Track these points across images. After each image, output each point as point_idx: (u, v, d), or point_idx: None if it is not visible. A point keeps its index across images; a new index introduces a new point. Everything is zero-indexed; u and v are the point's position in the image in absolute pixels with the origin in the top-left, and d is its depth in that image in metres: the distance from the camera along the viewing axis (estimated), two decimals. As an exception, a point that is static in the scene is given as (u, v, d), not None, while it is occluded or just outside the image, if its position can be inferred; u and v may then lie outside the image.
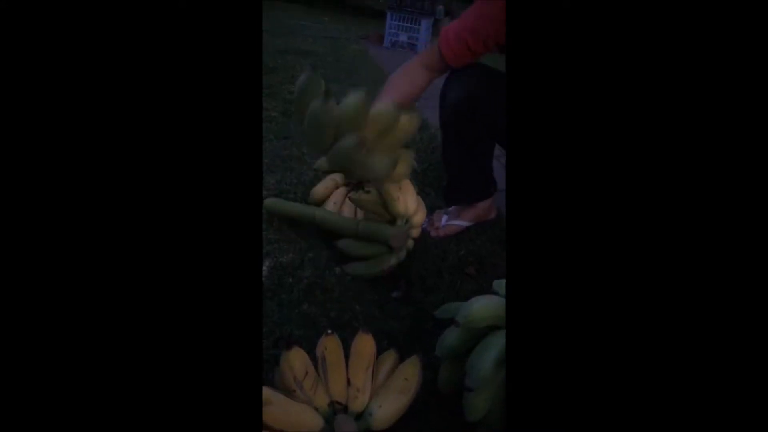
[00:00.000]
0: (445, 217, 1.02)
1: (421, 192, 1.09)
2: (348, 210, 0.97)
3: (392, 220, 0.87)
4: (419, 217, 0.88)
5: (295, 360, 0.55)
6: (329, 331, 0.59)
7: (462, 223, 1.02)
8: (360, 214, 0.93)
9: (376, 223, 0.86)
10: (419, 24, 3.03)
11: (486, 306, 0.55)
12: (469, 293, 0.76)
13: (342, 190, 1.02)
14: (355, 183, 1.01)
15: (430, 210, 1.03)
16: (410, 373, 0.58)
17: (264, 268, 0.86)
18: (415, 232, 0.90)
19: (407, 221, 0.87)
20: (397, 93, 0.81)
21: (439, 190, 1.17)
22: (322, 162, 1.16)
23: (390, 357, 0.61)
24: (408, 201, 0.86)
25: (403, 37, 3.07)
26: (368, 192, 0.89)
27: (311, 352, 0.58)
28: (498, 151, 1.00)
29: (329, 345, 0.58)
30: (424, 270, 0.90)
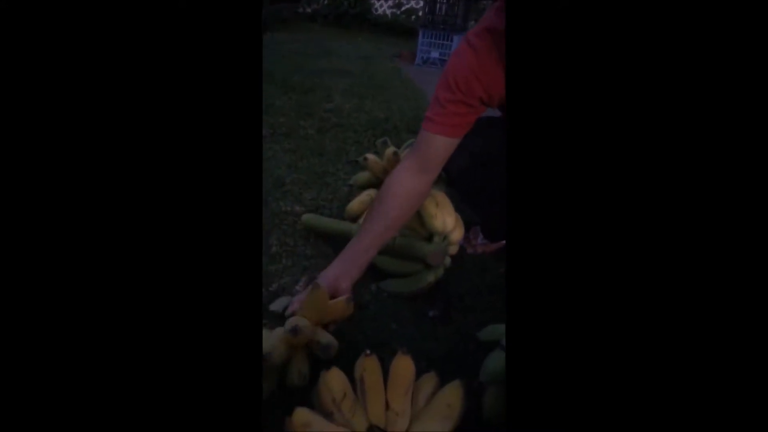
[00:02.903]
0: (482, 235, 0.99)
1: (457, 208, 1.06)
2: (384, 226, 0.96)
3: (429, 236, 0.85)
4: (457, 234, 0.86)
5: (334, 381, 0.54)
6: (368, 352, 0.57)
7: (500, 241, 0.99)
8: (396, 230, 0.92)
9: (413, 239, 0.85)
10: (451, 40, 3.06)
11: (534, 330, 0.52)
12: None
13: (377, 206, 1.01)
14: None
15: (467, 226, 1.01)
16: (453, 398, 0.55)
17: (300, 283, 0.87)
18: (453, 250, 0.88)
19: (445, 238, 0.85)
20: (392, 218, 0.70)
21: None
22: (357, 177, 1.17)
23: (430, 380, 0.58)
24: (446, 217, 0.84)
25: (435, 54, 3.09)
26: None
27: (347, 370, 0.57)
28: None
29: (368, 366, 0.56)
30: (462, 289, 0.87)
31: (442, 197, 0.86)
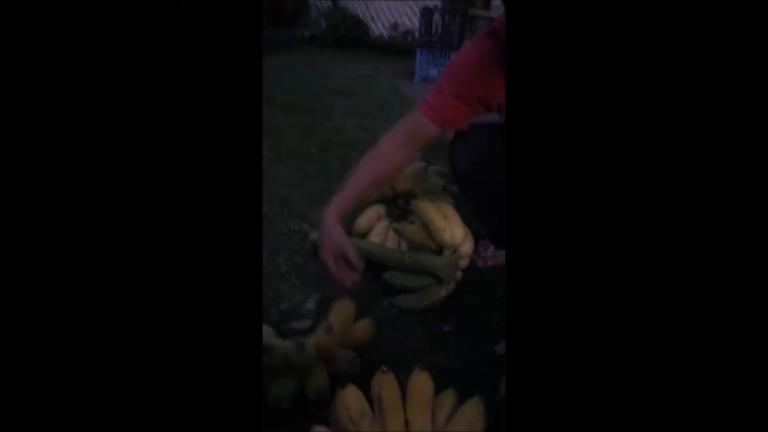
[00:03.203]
0: (492, 247, 0.99)
1: (465, 220, 1.06)
2: (392, 241, 0.96)
3: (439, 250, 0.85)
4: (467, 247, 0.86)
5: (351, 399, 0.53)
6: (384, 369, 0.56)
7: (511, 251, 0.98)
8: (404, 244, 0.92)
9: (423, 253, 0.84)
10: (448, 58, 3.12)
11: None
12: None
13: (385, 222, 1.01)
14: (398, 213, 1.00)
15: (476, 239, 1.00)
16: (473, 416, 0.54)
17: (311, 302, 0.86)
18: (463, 263, 0.87)
19: (455, 251, 0.84)
20: (368, 171, 0.75)
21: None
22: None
23: (449, 397, 0.57)
24: (455, 230, 0.84)
25: (433, 72, 3.15)
26: (412, 222, 0.88)
27: (363, 388, 0.56)
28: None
29: (385, 383, 0.55)
30: (474, 302, 0.86)
31: (449, 210, 0.86)
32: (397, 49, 4.28)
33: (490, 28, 0.73)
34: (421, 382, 0.56)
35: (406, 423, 0.54)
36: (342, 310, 0.64)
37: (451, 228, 0.83)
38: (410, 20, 4.51)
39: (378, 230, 0.99)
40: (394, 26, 4.58)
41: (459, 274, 0.86)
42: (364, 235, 1.00)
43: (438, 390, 0.58)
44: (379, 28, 4.77)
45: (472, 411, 0.54)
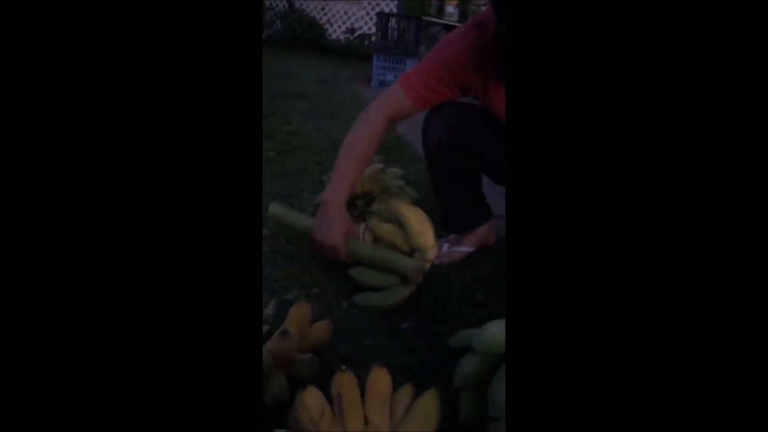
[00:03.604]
0: (446, 245, 1.02)
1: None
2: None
3: (410, 252, 0.86)
4: (434, 252, 0.88)
5: (311, 400, 0.53)
6: (343, 367, 0.57)
7: (464, 249, 1.02)
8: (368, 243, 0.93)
9: (395, 253, 0.85)
10: (404, 64, 3.18)
11: (502, 330, 0.54)
12: (480, 320, 0.75)
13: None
14: (357, 215, 1.01)
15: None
16: (429, 407, 0.56)
17: (269, 307, 0.85)
18: (428, 266, 0.90)
19: (425, 254, 0.86)
20: (359, 150, 0.81)
21: (437, 219, 1.18)
22: (323, 195, 1.17)
23: (406, 391, 0.59)
24: (428, 235, 0.85)
25: (390, 77, 3.20)
26: (387, 221, 0.89)
27: (324, 390, 0.56)
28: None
29: (345, 382, 0.56)
30: (431, 300, 0.89)
31: (424, 215, 0.87)
32: (354, 53, 4.30)
33: (477, 20, 0.78)
34: (380, 378, 0.57)
35: (365, 419, 0.55)
36: (298, 314, 0.64)
37: (426, 232, 0.85)
38: (367, 25, 4.55)
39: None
40: (351, 30, 4.60)
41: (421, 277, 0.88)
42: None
43: (397, 386, 0.59)
44: (336, 32, 4.77)
45: (428, 403, 0.56)
